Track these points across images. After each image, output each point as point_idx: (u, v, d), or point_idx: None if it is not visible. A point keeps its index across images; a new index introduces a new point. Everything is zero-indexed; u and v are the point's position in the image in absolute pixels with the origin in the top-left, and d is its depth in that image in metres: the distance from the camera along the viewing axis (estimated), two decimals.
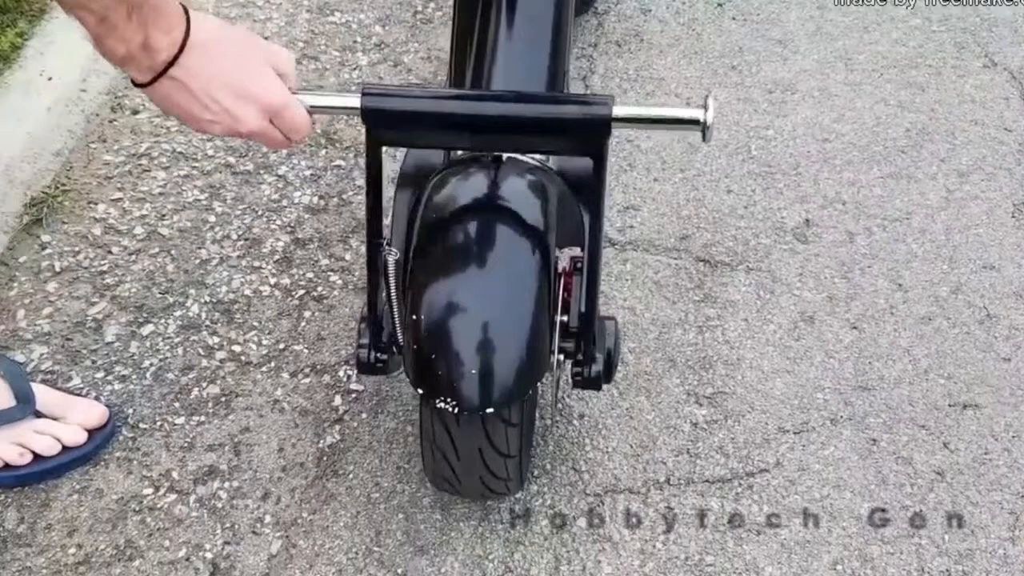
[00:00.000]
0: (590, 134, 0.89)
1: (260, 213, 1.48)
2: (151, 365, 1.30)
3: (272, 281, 1.40)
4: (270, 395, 1.28)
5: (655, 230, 1.48)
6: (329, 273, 1.41)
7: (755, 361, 1.33)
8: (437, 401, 0.94)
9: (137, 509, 1.16)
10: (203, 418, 1.25)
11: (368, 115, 0.87)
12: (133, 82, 0.80)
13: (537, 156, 1.07)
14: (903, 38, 1.77)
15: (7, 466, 1.15)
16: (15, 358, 1.28)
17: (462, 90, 1.09)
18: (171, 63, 0.78)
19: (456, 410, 0.94)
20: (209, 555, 1.13)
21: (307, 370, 1.30)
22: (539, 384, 1.06)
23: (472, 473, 1.05)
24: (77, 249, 1.42)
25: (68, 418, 1.19)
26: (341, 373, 1.30)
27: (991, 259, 1.44)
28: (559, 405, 1.27)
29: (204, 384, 1.28)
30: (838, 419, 1.27)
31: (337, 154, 1.58)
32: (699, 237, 1.47)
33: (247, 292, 1.38)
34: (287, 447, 1.23)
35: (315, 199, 1.51)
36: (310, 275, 1.41)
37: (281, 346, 1.33)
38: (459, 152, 1.08)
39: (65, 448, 1.18)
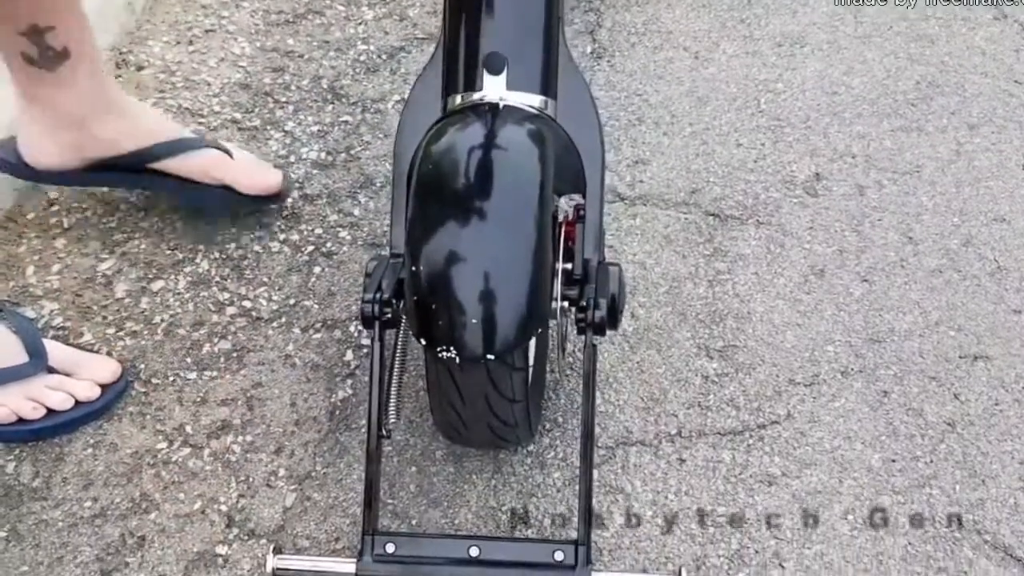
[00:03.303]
0: None
1: None
2: (162, 321, 1.30)
3: (281, 237, 1.40)
4: (281, 350, 1.28)
5: (664, 184, 1.47)
6: (338, 229, 1.41)
7: (765, 314, 1.33)
8: (439, 351, 0.95)
9: (152, 463, 1.17)
10: (215, 373, 1.25)
11: None
12: None
13: (535, 103, 1.07)
14: None
15: (21, 420, 1.16)
16: (26, 314, 1.28)
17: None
18: None
19: (459, 359, 0.94)
20: (224, 508, 1.14)
21: (318, 325, 1.30)
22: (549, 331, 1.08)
23: (479, 420, 1.06)
24: (85, 206, 1.41)
25: (80, 374, 1.20)
26: (352, 328, 1.30)
27: (1002, 212, 1.44)
28: (569, 359, 1.27)
29: (215, 339, 1.28)
30: (849, 371, 1.27)
31: (344, 109, 1.57)
32: (709, 191, 1.46)
33: (256, 248, 1.38)
34: (299, 402, 1.23)
35: (322, 155, 1.50)
36: (319, 231, 1.40)
37: (292, 302, 1.33)
38: (457, 101, 1.08)
39: (78, 403, 1.18)
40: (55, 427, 1.17)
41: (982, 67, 1.63)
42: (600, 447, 1.20)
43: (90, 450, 1.17)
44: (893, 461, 1.19)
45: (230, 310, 1.32)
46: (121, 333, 1.28)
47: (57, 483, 1.14)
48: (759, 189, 1.47)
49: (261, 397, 1.23)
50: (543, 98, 1.07)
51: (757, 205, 1.45)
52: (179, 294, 1.33)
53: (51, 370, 1.18)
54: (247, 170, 1.35)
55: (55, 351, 1.19)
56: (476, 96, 1.05)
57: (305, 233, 1.40)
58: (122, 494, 1.14)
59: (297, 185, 1.46)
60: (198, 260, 1.36)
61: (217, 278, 1.35)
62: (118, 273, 1.34)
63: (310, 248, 1.38)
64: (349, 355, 1.28)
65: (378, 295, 1.01)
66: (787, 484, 1.17)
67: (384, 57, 1.65)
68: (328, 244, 1.39)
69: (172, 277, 1.34)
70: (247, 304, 1.32)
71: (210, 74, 1.61)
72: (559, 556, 1.03)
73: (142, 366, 1.25)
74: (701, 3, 1.73)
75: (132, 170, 1.32)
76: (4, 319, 1.17)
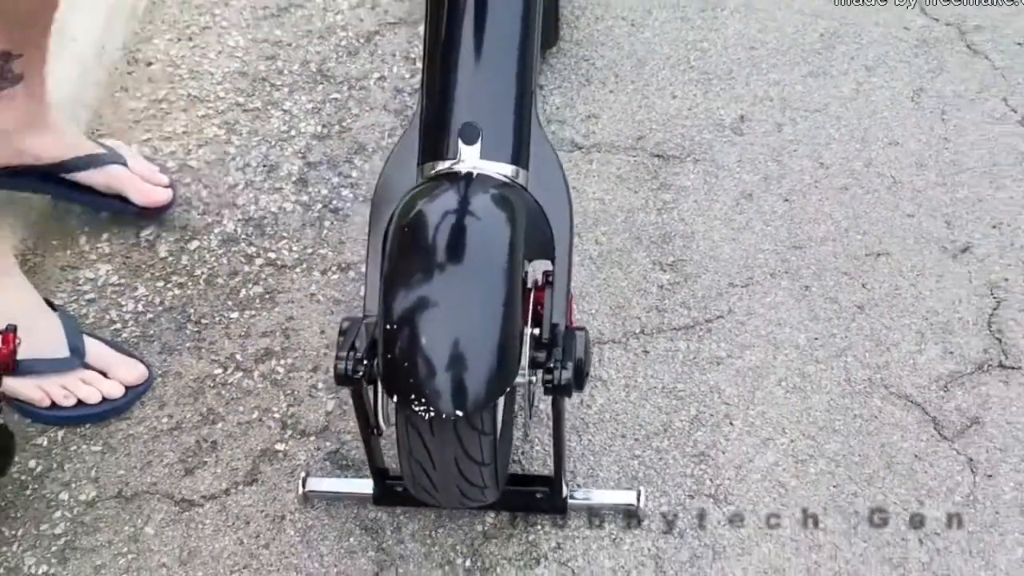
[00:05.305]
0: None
1: (273, 143, 1.71)
2: (202, 273, 1.53)
3: (293, 199, 1.63)
4: (306, 290, 1.52)
5: (614, 133, 1.74)
6: (341, 188, 1.65)
7: (706, 233, 1.59)
8: (413, 406, 1.00)
9: (212, 385, 1.41)
10: (253, 312, 1.49)
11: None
12: None
13: (507, 172, 1.13)
14: None
15: (54, 405, 1.34)
16: (85, 275, 1.51)
17: None
18: None
19: (430, 415, 1.00)
20: (277, 415, 1.38)
21: (334, 268, 1.55)
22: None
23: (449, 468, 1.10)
24: None
25: (112, 372, 1.37)
26: (363, 269, 1.54)
27: (896, 137, 1.72)
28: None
29: (249, 285, 1.52)
30: (777, 273, 1.54)
31: (333, 88, 1.80)
32: (652, 136, 1.73)
33: (273, 209, 1.62)
34: (327, 329, 1.47)
35: (319, 128, 1.74)
36: (325, 191, 1.64)
37: (309, 251, 1.57)
38: (432, 169, 1.14)
39: (104, 399, 1.35)
40: (81, 416, 1.35)
41: (875, 18, 1.91)
42: None
43: (159, 379, 1.41)
44: (816, 339, 1.46)
45: (258, 261, 1.55)
46: (169, 285, 1.51)
47: (136, 406, 1.38)
48: (694, 132, 1.73)
49: (295, 328, 1.47)
50: (515, 167, 1.13)
51: (693, 145, 1.71)
52: (213, 251, 1.56)
53: (87, 366, 1.36)
54: (140, 186, 1.53)
55: (94, 349, 1.37)
56: (450, 164, 1.11)
57: (313, 194, 1.64)
58: (192, 410, 1.38)
59: (300, 155, 1.69)
60: (224, 222, 1.60)
61: (243, 236, 1.58)
62: (158, 237, 1.57)
63: (319, 206, 1.62)
64: (363, 290, 1.52)
65: (352, 354, 1.06)
66: (732, 363, 1.44)
67: (362, 41, 1.89)
68: (334, 202, 1.63)
69: (205, 237, 1.58)
70: (272, 255, 1.56)
71: (211, 65, 1.84)
72: (539, 495, 1.25)
73: (191, 310, 1.49)
74: None
75: (44, 178, 1.48)
76: (59, 316, 1.37)
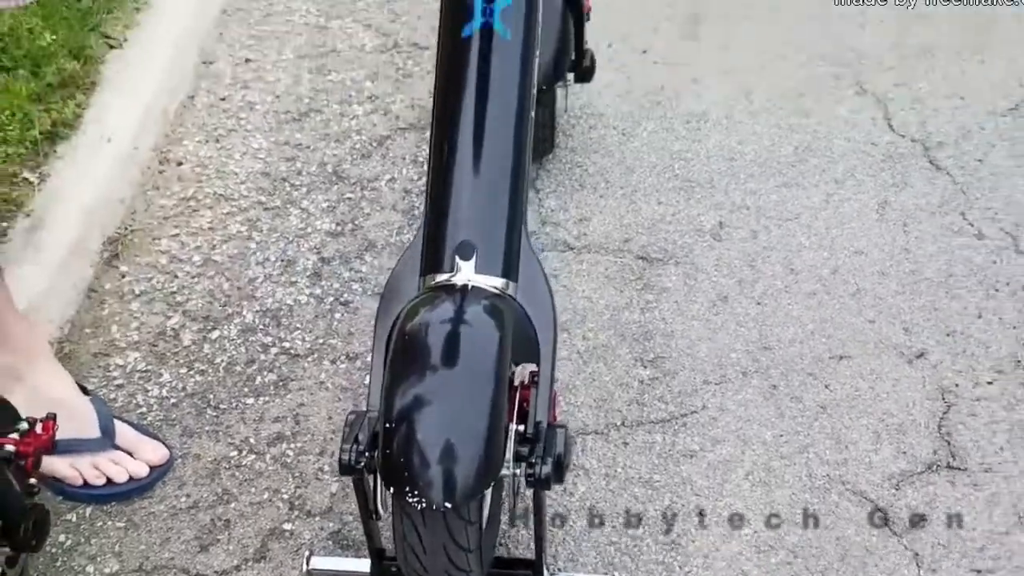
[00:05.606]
0: None
1: (291, 239, 1.87)
2: (222, 361, 1.68)
3: (307, 292, 1.78)
4: (316, 378, 1.66)
5: (603, 236, 1.89)
6: (352, 283, 1.80)
7: (684, 332, 1.74)
8: (407, 497, 1.10)
9: (227, 467, 1.54)
10: (267, 398, 1.63)
11: None
12: None
13: (498, 285, 1.26)
14: (792, 73, 2.20)
15: (85, 484, 1.47)
16: (115, 362, 1.65)
17: None
18: None
19: (422, 506, 1.10)
20: (286, 496, 1.51)
21: (343, 358, 1.69)
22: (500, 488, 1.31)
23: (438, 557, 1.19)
24: (150, 276, 1.79)
25: (138, 453, 1.50)
26: (369, 359, 1.68)
27: (860, 246, 1.87)
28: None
29: (265, 373, 1.66)
30: (748, 372, 1.68)
31: (347, 189, 1.97)
32: (638, 240, 1.88)
33: (288, 301, 1.77)
34: (335, 416, 1.61)
35: (333, 225, 1.90)
36: (336, 285, 1.79)
37: (320, 341, 1.71)
38: (432, 281, 1.26)
39: (131, 478, 1.49)
40: (110, 495, 1.48)
41: (845, 133, 2.07)
42: None
43: (180, 460, 1.54)
44: (781, 436, 1.59)
45: (273, 350, 1.70)
46: (192, 372, 1.66)
47: (157, 485, 1.51)
48: (676, 236, 1.89)
49: (305, 414, 1.61)
50: (505, 280, 1.26)
51: (675, 249, 1.87)
52: (232, 340, 1.71)
53: (117, 447, 1.49)
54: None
55: (123, 432, 1.51)
56: (447, 277, 1.24)
57: (326, 287, 1.79)
58: (208, 490, 1.51)
59: (315, 251, 1.85)
60: (244, 313, 1.75)
61: (260, 326, 1.73)
62: (183, 327, 1.72)
63: (331, 299, 1.77)
64: (367, 379, 1.66)
65: (355, 446, 1.15)
66: (704, 456, 1.57)
67: (375, 145, 2.06)
68: (345, 295, 1.78)
69: (226, 327, 1.72)
70: (286, 345, 1.71)
71: (236, 165, 2.01)
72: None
73: (211, 396, 1.63)
74: (624, 89, 2.16)
75: None
76: (91, 400, 1.50)
